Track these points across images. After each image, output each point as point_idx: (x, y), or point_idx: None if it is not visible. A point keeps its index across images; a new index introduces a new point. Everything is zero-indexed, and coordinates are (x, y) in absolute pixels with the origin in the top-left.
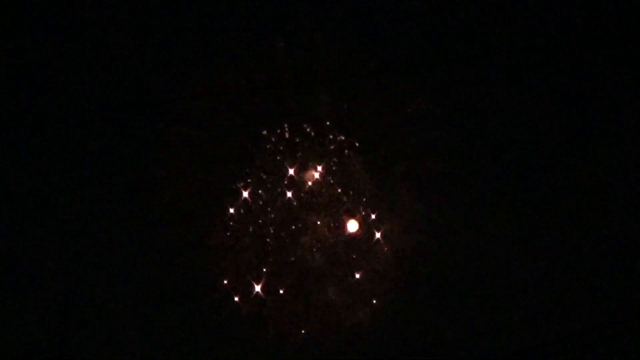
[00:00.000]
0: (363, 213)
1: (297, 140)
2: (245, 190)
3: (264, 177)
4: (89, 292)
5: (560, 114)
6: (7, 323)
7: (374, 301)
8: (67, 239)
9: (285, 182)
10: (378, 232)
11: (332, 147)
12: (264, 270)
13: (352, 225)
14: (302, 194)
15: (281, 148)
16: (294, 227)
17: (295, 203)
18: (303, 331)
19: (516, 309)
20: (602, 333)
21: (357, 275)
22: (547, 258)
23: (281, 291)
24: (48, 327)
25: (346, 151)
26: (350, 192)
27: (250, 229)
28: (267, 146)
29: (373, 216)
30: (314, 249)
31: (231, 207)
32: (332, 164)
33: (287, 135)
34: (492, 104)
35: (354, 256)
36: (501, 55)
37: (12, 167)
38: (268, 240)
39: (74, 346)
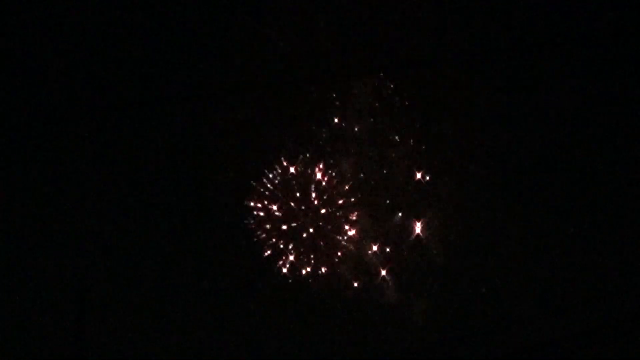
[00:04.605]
0: (404, 206)
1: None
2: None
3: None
4: (105, 287)
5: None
6: (23, 320)
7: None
8: (81, 231)
9: (319, 178)
10: (418, 225)
11: (370, 139)
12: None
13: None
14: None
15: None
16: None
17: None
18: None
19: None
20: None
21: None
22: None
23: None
24: (63, 323)
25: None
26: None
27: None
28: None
29: (413, 209)
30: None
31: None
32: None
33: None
34: (536, 101)
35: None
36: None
37: (24, 162)
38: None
39: (91, 341)
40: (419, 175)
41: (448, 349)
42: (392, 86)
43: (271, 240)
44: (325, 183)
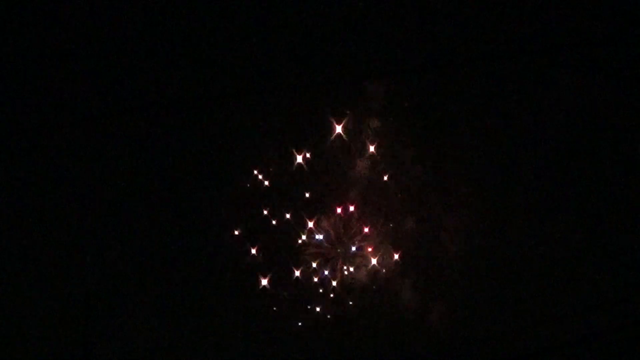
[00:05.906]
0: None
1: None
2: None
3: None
4: (111, 289)
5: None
6: (30, 323)
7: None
8: (86, 235)
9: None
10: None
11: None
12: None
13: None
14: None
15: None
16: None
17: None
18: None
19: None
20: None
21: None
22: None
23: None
24: (70, 325)
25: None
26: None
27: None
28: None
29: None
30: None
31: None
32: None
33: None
34: (547, 102)
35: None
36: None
37: (30, 166)
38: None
39: (97, 343)
40: (432, 179)
41: (463, 351)
42: (403, 88)
43: (279, 246)
44: (338, 187)
